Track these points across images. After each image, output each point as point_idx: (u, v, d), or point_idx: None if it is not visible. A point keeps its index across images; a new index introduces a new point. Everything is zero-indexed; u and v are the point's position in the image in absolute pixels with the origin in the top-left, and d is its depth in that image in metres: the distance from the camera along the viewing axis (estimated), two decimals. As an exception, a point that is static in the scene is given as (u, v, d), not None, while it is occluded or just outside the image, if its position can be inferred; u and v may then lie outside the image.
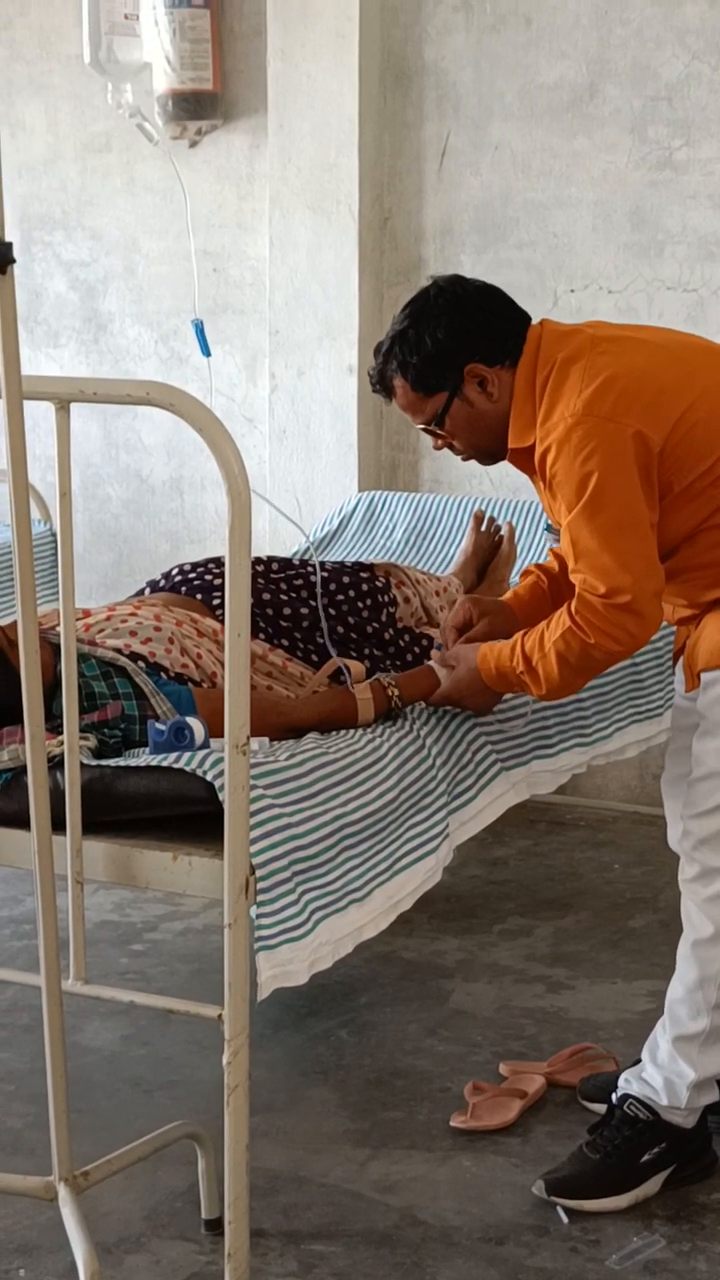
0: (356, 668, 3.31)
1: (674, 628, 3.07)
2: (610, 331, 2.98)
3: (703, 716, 2.87)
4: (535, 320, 2.99)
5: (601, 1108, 3.07)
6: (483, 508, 4.40)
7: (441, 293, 2.95)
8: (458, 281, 2.99)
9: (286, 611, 3.51)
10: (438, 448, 3.07)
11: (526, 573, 3.36)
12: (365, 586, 3.65)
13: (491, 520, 4.21)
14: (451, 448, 3.04)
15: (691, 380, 2.84)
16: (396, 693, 3.16)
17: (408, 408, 3.00)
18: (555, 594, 3.26)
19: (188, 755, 2.65)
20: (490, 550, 4.09)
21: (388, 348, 2.96)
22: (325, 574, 3.65)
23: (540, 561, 3.45)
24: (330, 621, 3.53)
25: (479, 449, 3.03)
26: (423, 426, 3.02)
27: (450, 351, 2.91)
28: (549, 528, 3.12)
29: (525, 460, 2.96)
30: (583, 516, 2.79)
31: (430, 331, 2.91)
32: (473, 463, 3.14)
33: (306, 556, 4.27)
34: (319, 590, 3.50)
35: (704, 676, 2.87)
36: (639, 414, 2.77)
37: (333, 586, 3.62)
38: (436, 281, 3.00)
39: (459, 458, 3.09)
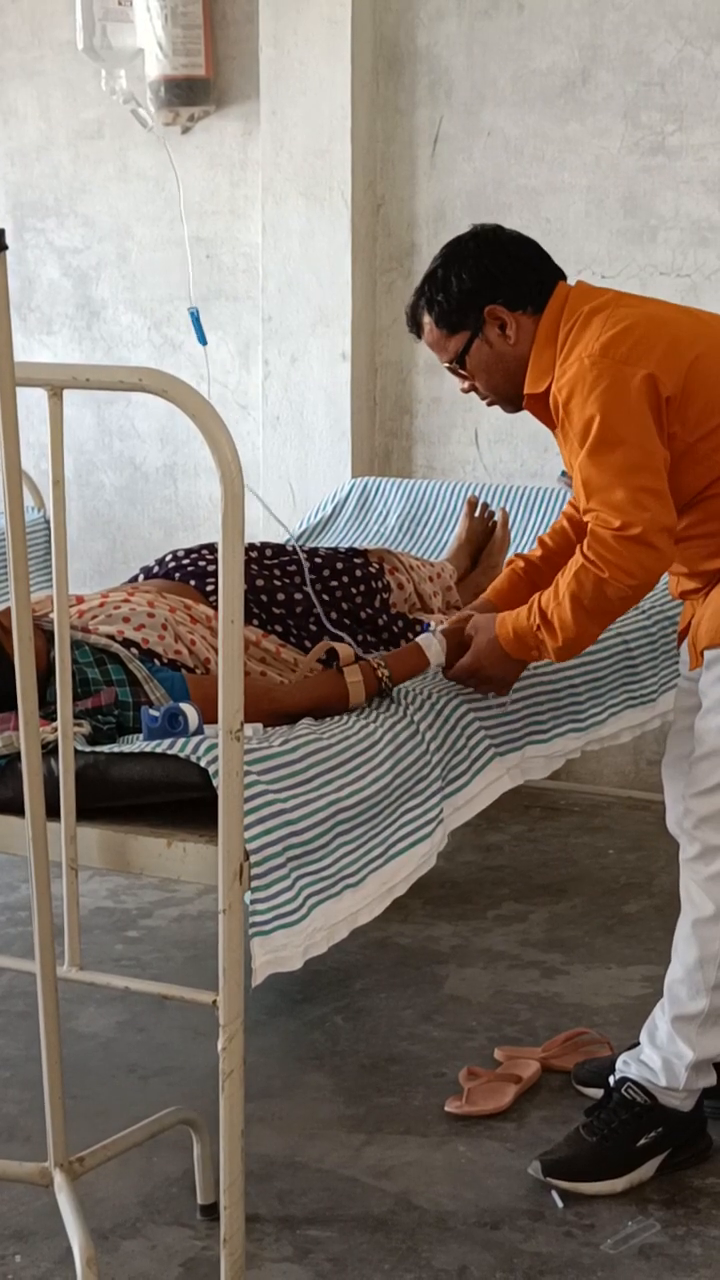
0: (344, 651, 3.30)
1: (671, 611, 3.07)
2: (637, 296, 3.09)
3: (704, 695, 2.88)
4: (571, 282, 3.09)
5: (596, 1092, 3.08)
6: (476, 493, 4.40)
7: (475, 237, 3.07)
8: (495, 229, 3.10)
9: (280, 598, 3.51)
10: (464, 390, 3.16)
11: (509, 562, 3.38)
12: (359, 572, 3.65)
13: (485, 506, 4.21)
14: (475, 390, 3.13)
15: (703, 334, 2.93)
16: (386, 673, 3.15)
17: (433, 344, 3.10)
18: (532, 577, 3.29)
19: (182, 741, 2.65)
20: (484, 536, 4.09)
21: (419, 286, 3.08)
22: (319, 560, 3.65)
23: (534, 547, 3.44)
24: (324, 607, 3.53)
25: (498, 391, 3.10)
26: (448, 365, 3.12)
27: (473, 292, 3.01)
28: (563, 474, 3.17)
29: (543, 409, 3.03)
30: (594, 455, 2.83)
31: (456, 273, 3.02)
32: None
33: (299, 544, 4.26)
34: (308, 579, 3.50)
35: (707, 655, 2.88)
36: (655, 360, 2.83)
37: (326, 572, 3.62)
38: (475, 227, 3.11)
39: (484, 403, 3.18)
